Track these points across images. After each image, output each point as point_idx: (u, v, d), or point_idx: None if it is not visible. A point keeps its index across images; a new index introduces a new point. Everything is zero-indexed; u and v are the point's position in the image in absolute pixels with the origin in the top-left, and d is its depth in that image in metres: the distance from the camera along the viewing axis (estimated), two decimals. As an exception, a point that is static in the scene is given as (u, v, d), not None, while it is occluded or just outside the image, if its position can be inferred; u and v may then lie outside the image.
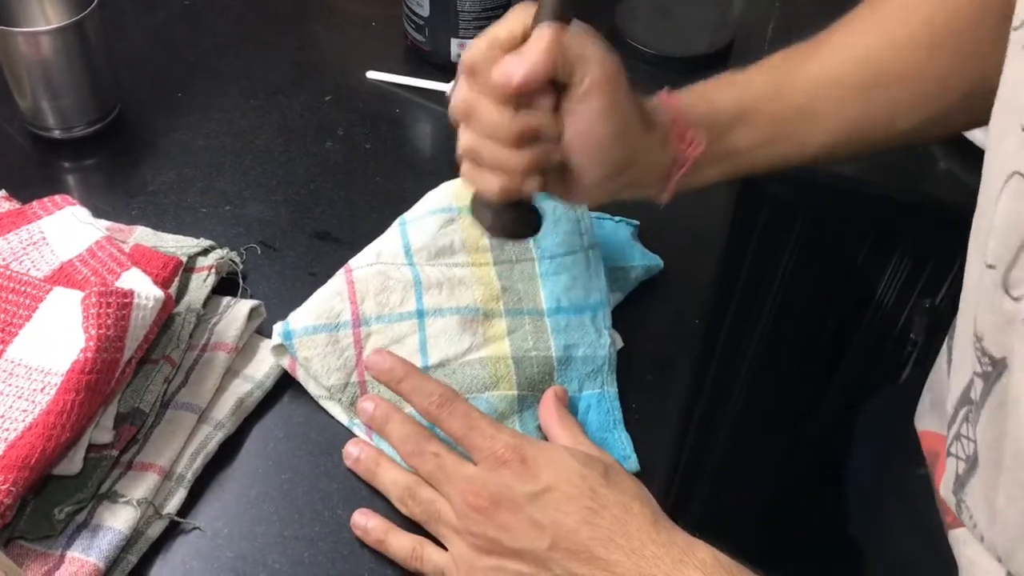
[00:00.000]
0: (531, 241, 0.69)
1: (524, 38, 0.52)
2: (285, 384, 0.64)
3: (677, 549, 0.49)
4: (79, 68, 0.77)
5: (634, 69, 0.77)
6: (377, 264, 0.66)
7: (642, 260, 0.71)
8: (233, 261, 0.69)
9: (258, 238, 0.73)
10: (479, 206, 0.59)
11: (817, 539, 0.75)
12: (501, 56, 0.52)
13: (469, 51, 0.54)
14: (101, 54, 0.78)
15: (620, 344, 0.66)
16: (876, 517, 0.68)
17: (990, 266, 0.45)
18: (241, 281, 0.69)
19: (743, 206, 0.82)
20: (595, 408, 0.63)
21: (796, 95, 0.59)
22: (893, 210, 0.86)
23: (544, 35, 0.51)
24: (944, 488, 0.55)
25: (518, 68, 0.51)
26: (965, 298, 0.52)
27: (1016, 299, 0.44)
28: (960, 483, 0.53)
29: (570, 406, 0.62)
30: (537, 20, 0.52)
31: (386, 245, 0.67)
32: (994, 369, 0.46)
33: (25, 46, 0.74)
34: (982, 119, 0.58)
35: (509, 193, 0.55)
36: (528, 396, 0.62)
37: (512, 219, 0.58)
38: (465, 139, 0.55)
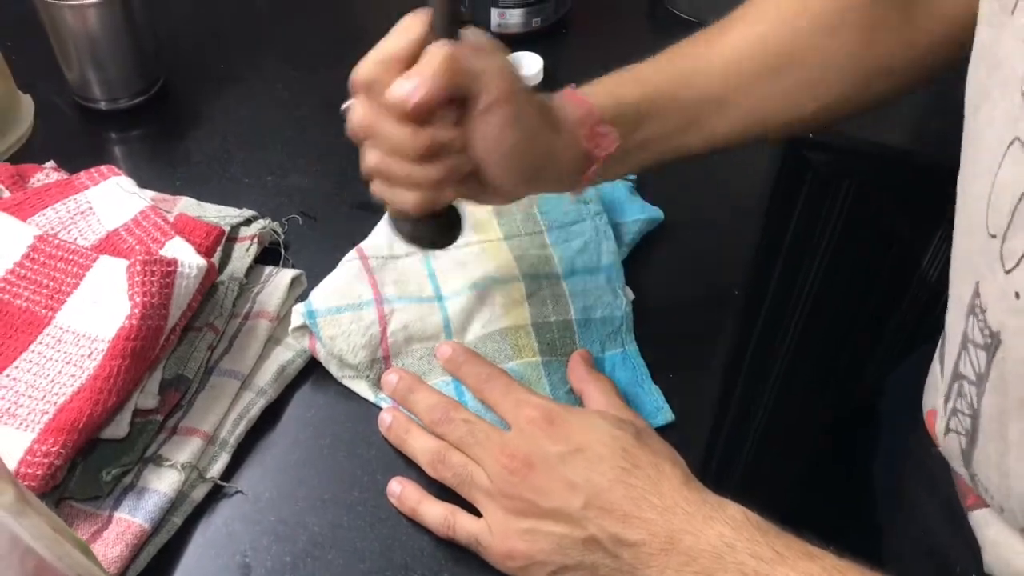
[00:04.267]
0: (538, 214, 0.70)
1: (417, 52, 0.50)
2: (326, 352, 0.65)
3: (708, 507, 0.50)
4: (124, 40, 0.78)
5: (676, 38, 0.76)
6: (390, 258, 0.66)
7: (642, 213, 0.72)
8: (275, 231, 0.70)
9: (300, 208, 0.74)
10: (397, 218, 0.58)
11: (842, 512, 0.75)
12: (395, 73, 0.50)
13: (361, 68, 0.51)
14: (145, 26, 0.79)
15: (632, 296, 0.67)
16: (899, 495, 0.68)
17: (992, 236, 0.45)
18: (283, 251, 0.70)
19: (786, 175, 0.81)
20: (620, 366, 0.64)
21: (701, 84, 0.59)
22: (940, 179, 0.84)
23: (438, 53, 0.49)
24: (956, 464, 0.55)
25: (414, 89, 0.49)
26: (956, 270, 0.51)
27: (1008, 272, 0.44)
28: (967, 457, 0.52)
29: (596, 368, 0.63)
30: (430, 34, 0.50)
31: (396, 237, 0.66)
32: (992, 342, 0.46)
33: (72, 18, 0.75)
34: (885, 100, 0.62)
35: (425, 207, 0.54)
36: (553, 361, 0.63)
37: (432, 230, 0.58)
38: (370, 158, 0.54)
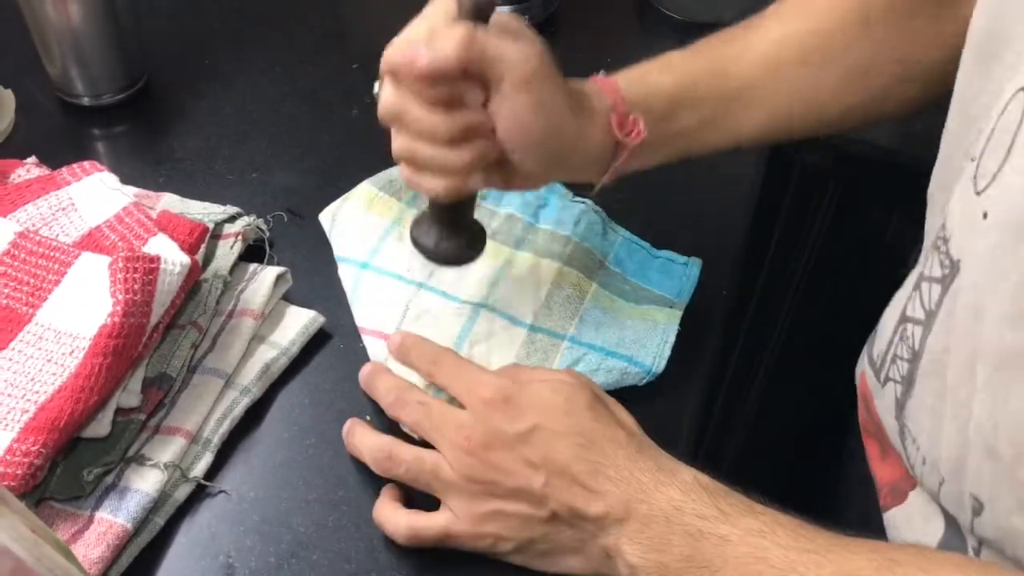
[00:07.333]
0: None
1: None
2: (311, 351, 0.65)
3: (662, 473, 0.51)
4: (107, 34, 0.77)
5: (664, 36, 0.77)
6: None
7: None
8: (260, 228, 0.69)
9: (285, 205, 0.73)
10: (420, 232, 0.59)
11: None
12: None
13: (390, 51, 0.51)
14: (129, 20, 0.78)
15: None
16: (832, 496, 0.70)
17: (972, 159, 0.45)
18: (268, 248, 0.69)
19: (773, 175, 0.81)
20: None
21: (732, 78, 0.59)
22: (926, 181, 0.85)
23: (456, 30, 0.49)
24: (888, 418, 0.55)
25: (424, 55, 0.49)
26: (927, 216, 0.52)
27: (979, 192, 0.43)
28: (900, 406, 0.53)
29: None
30: (458, 16, 0.50)
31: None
32: (951, 272, 0.46)
33: (53, 12, 0.74)
34: (911, 107, 0.61)
35: (454, 192, 0.55)
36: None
37: (453, 246, 0.59)
38: (399, 142, 0.54)
